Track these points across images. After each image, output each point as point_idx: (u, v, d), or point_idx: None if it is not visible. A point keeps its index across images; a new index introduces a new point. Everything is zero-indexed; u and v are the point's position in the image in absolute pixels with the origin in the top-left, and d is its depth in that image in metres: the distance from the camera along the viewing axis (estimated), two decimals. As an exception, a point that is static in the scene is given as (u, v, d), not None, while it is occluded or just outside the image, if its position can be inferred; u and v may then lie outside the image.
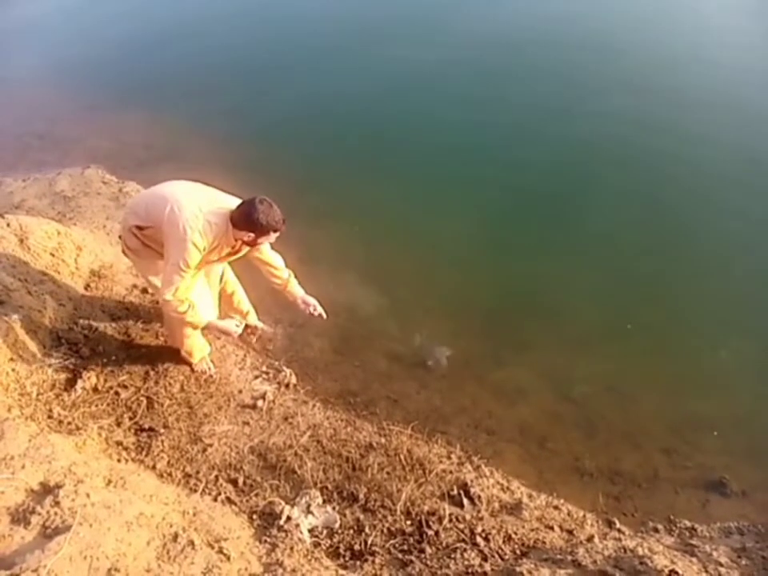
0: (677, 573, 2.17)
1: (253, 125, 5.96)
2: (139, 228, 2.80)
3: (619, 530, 2.76)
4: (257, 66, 7.28)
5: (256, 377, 3.44)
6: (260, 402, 3.22)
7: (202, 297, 3.06)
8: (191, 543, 2.10)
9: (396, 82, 6.73)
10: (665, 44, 7.43)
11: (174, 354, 3.38)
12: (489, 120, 5.96)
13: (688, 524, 2.82)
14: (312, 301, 3.18)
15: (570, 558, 2.38)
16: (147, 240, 2.85)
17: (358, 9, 8.69)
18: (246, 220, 2.62)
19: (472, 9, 8.42)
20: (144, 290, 3.80)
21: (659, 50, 7.27)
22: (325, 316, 3.22)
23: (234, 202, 2.74)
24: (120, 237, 3.00)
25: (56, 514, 1.96)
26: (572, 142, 5.57)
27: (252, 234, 2.68)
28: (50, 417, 2.85)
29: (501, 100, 6.29)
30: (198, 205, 2.63)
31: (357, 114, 6.17)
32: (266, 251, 3.02)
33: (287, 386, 3.40)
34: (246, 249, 2.89)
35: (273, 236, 2.76)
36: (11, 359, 2.96)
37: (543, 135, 5.67)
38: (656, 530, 2.79)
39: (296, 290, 3.16)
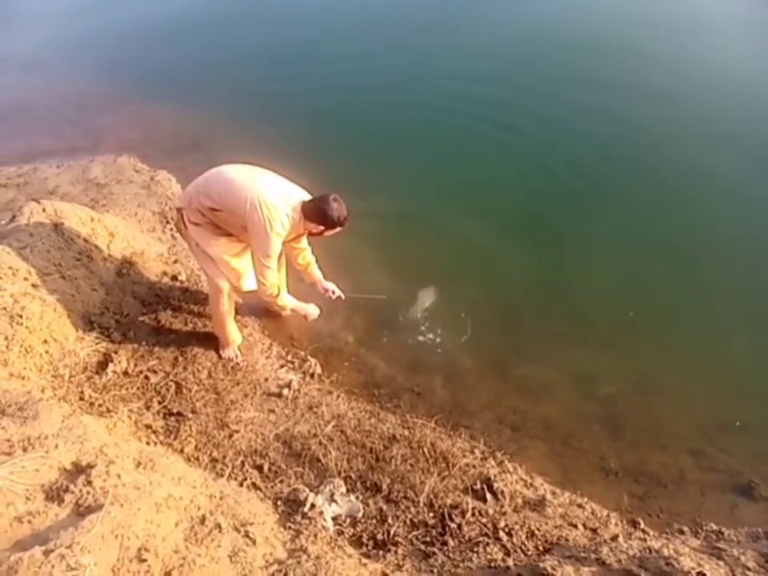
0: (704, 575, 2.14)
1: (281, 114, 5.97)
2: (213, 210, 2.93)
3: (644, 531, 2.72)
4: (284, 55, 7.29)
5: (282, 366, 3.47)
6: (285, 391, 3.25)
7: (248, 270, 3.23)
8: (218, 526, 2.13)
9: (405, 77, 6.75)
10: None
11: (202, 341, 3.44)
12: (520, 112, 5.93)
13: (715, 527, 2.77)
14: (330, 286, 3.45)
15: (593, 556, 2.35)
16: (216, 219, 2.99)
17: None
18: (319, 214, 2.89)
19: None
20: (174, 277, 3.86)
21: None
22: (343, 297, 3.50)
23: (299, 192, 2.99)
24: (178, 210, 3.09)
25: (88, 493, 2.00)
26: (604, 140, 5.52)
27: (322, 227, 2.95)
28: (81, 399, 2.92)
29: (534, 93, 6.26)
30: (275, 198, 2.84)
31: (387, 103, 6.17)
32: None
33: (312, 375, 3.42)
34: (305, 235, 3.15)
35: (337, 229, 3.04)
36: (45, 341, 3.03)
37: (574, 131, 5.61)
38: (681, 532, 2.75)
39: (316, 272, 3.43)
